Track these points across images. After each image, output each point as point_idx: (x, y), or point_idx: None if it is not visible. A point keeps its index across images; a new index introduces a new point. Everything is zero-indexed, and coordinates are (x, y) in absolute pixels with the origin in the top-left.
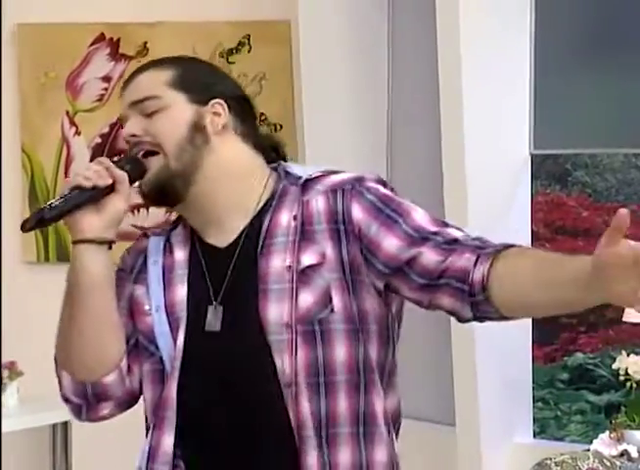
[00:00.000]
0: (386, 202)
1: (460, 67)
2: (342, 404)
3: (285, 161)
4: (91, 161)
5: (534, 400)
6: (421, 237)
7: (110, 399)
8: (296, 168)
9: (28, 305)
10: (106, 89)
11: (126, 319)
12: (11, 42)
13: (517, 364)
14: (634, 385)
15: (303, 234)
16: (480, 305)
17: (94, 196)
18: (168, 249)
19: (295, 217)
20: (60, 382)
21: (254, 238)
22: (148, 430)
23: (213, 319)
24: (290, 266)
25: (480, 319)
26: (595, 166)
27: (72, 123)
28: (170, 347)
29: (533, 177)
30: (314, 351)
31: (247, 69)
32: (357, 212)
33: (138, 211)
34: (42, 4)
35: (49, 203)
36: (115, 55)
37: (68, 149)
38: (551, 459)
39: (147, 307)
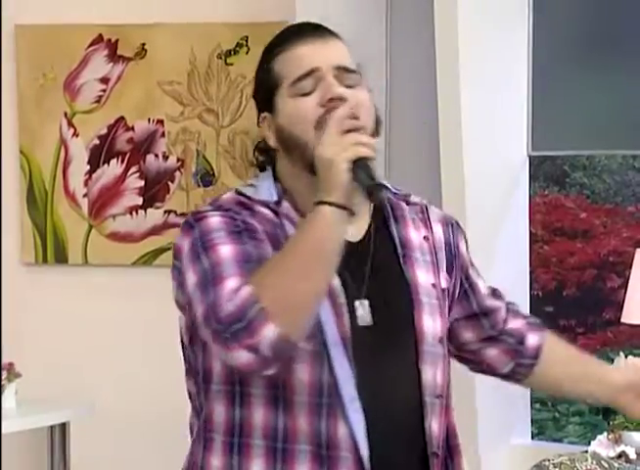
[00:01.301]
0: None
1: (458, 68)
2: (449, 422)
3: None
4: (89, 163)
5: (532, 402)
6: (492, 290)
7: (290, 361)
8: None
9: (27, 307)
10: (104, 90)
11: None
12: (9, 43)
13: None
14: None
15: (436, 257)
16: (521, 367)
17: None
18: (290, 225)
19: (426, 237)
20: (256, 330)
21: (386, 241)
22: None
23: (365, 313)
24: (435, 284)
25: (509, 379)
26: (593, 168)
27: (71, 125)
28: (335, 333)
29: (531, 179)
30: (449, 367)
31: (245, 70)
32: (463, 249)
33: (136, 213)
34: (40, 5)
35: (370, 176)
36: (114, 56)
37: (67, 150)
38: (549, 461)
39: None
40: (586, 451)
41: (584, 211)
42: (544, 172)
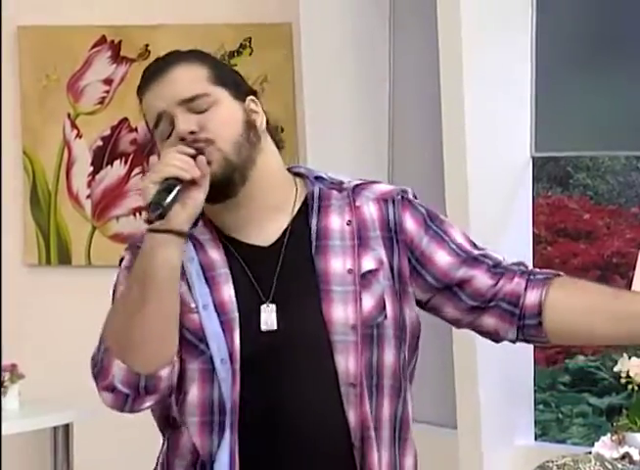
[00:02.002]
0: (432, 217)
1: (461, 69)
2: (386, 408)
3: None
4: (92, 164)
5: (536, 403)
6: (470, 257)
7: (157, 391)
8: (320, 172)
9: (30, 308)
10: (107, 92)
11: None
12: (12, 44)
13: (518, 367)
14: (636, 388)
15: (360, 239)
16: (528, 328)
17: (185, 188)
18: (199, 247)
19: (349, 222)
20: (106, 370)
21: (302, 238)
22: (174, 429)
23: (269, 318)
24: (351, 270)
25: (523, 341)
26: (596, 169)
27: (74, 126)
28: (224, 347)
29: (535, 180)
30: (370, 354)
31: (248, 71)
32: (410, 223)
33: (140, 214)
34: (43, 6)
35: (155, 193)
36: (117, 57)
37: (70, 152)
38: (552, 462)
39: (193, 305)
40: (590, 453)
41: (588, 212)
42: (547, 173)
